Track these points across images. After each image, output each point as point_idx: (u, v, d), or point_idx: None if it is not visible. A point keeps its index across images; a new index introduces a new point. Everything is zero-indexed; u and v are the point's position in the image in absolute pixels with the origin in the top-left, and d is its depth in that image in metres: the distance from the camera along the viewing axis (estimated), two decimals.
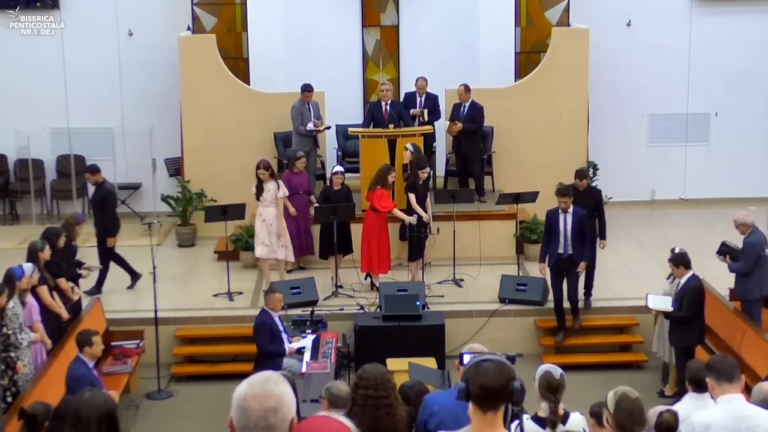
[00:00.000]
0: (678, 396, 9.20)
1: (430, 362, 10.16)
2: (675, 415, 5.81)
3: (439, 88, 15.03)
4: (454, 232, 13.07)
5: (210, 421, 10.54)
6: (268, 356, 10.24)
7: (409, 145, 13.17)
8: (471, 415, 3.65)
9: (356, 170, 14.16)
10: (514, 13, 16.06)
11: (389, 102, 14.56)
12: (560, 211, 11.63)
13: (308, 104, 14.41)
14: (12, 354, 9.13)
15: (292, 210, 13.02)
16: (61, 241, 10.95)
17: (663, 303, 10.60)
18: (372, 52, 16.48)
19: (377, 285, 12.64)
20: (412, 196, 12.65)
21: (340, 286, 12.90)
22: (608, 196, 14.16)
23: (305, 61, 15.70)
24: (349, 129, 14.71)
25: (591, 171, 15.07)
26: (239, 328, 12.03)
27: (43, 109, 16.19)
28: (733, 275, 11.22)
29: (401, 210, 12.77)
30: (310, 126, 14.24)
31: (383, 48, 16.46)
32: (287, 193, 12.87)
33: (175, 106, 15.61)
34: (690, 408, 6.36)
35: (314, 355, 10.25)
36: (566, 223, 11.59)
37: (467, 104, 14.65)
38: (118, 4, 16.08)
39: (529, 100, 15.40)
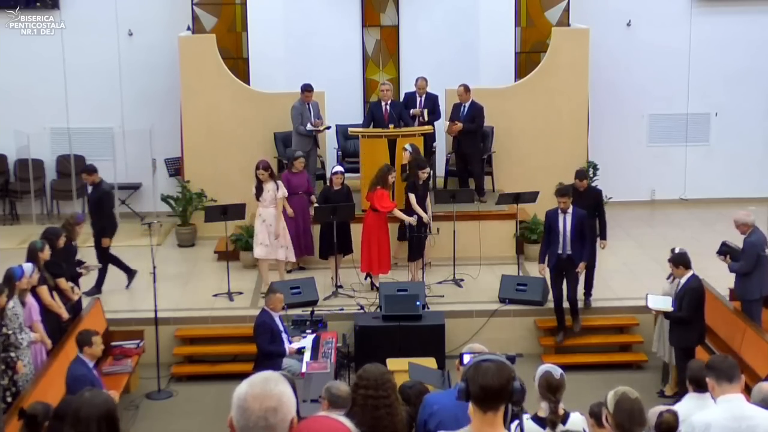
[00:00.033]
0: (678, 396, 9.21)
1: (430, 362, 10.16)
2: (675, 415, 5.81)
3: (439, 88, 15.03)
4: (454, 232, 13.07)
5: (210, 421, 10.54)
6: (268, 356, 10.24)
7: (407, 146, 13.18)
8: (471, 415, 3.65)
9: (356, 170, 14.16)
10: (514, 13, 16.06)
11: (389, 102, 14.56)
12: (560, 211, 11.63)
13: (308, 104, 14.41)
14: (12, 354, 9.13)
15: (289, 211, 13.00)
16: (61, 241, 10.96)
17: (663, 303, 10.59)
18: (372, 52, 16.48)
19: (377, 285, 12.64)
20: (412, 197, 12.64)
21: (340, 286, 12.90)
22: (608, 196, 14.16)
23: (305, 61, 15.70)
24: (349, 129, 14.71)
25: (591, 171, 15.06)
26: (239, 328, 12.03)
27: (43, 109, 16.19)
28: (733, 275, 11.22)
29: (401, 210, 12.77)
30: (310, 126, 14.24)
31: (383, 48, 16.46)
32: (286, 194, 12.86)
33: (175, 106, 15.62)
34: (691, 408, 6.35)
35: (314, 355, 10.24)
36: (565, 223, 11.59)
37: (467, 104, 14.65)
38: (118, 4, 16.08)
39: (529, 100, 15.40)
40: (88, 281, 12.52)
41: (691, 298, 10.32)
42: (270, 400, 3.10)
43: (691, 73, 16.93)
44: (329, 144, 15.42)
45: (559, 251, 11.64)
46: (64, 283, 10.80)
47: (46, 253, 10.35)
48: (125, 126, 16.32)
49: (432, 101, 14.77)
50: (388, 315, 11.54)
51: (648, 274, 13.09)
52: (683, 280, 10.40)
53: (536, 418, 5.65)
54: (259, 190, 12.73)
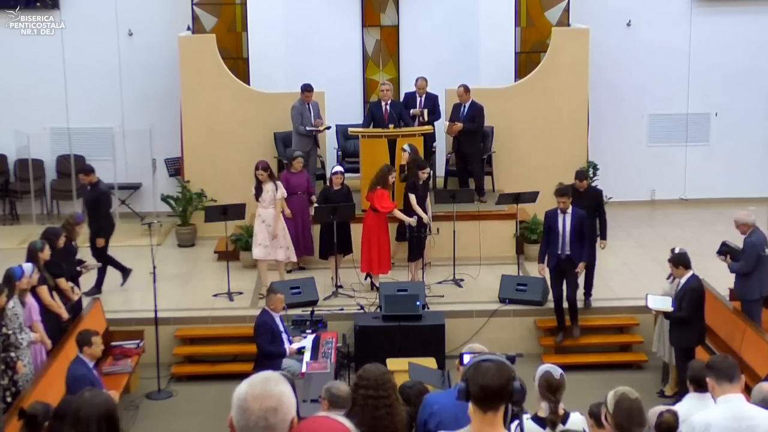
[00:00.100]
0: (678, 396, 9.22)
1: (430, 362, 10.16)
2: (675, 415, 5.81)
3: (439, 88, 15.03)
4: (454, 232, 13.07)
5: (210, 421, 10.54)
6: (268, 356, 10.24)
7: (405, 146, 13.18)
8: (471, 415, 3.65)
9: (356, 170, 14.16)
10: (514, 13, 16.06)
11: (389, 102, 14.56)
12: (559, 211, 11.62)
13: (308, 104, 14.41)
14: (12, 354, 9.13)
15: (287, 212, 12.97)
16: (61, 241, 10.96)
17: (663, 303, 10.59)
18: (372, 52, 16.48)
19: (377, 285, 12.64)
20: (412, 197, 12.64)
21: (340, 286, 12.90)
22: (608, 196, 14.16)
23: (305, 61, 15.70)
24: (349, 129, 14.71)
25: (591, 171, 15.07)
26: (239, 328, 12.03)
27: (43, 109, 16.19)
28: (733, 275, 11.22)
29: (400, 210, 12.77)
30: (310, 126, 14.24)
31: (383, 48, 16.46)
32: (285, 195, 12.85)
33: (175, 106, 15.61)
34: (691, 408, 6.35)
35: (314, 355, 10.25)
36: (565, 223, 11.58)
37: (467, 104, 14.65)
38: (118, 4, 16.08)
39: (529, 100, 15.40)
40: (88, 281, 12.52)
41: (691, 298, 10.32)
42: (270, 400, 3.11)
43: (691, 73, 16.93)
44: (329, 144, 15.41)
45: (559, 251, 11.64)
46: (64, 283, 10.80)
47: (46, 253, 10.35)
48: (125, 126, 16.32)
49: (432, 101, 14.77)
50: (388, 315, 11.54)
51: (648, 274, 13.09)
52: (683, 280, 10.40)
53: (536, 418, 5.65)
54: (259, 191, 12.72)
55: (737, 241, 11.17)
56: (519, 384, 3.63)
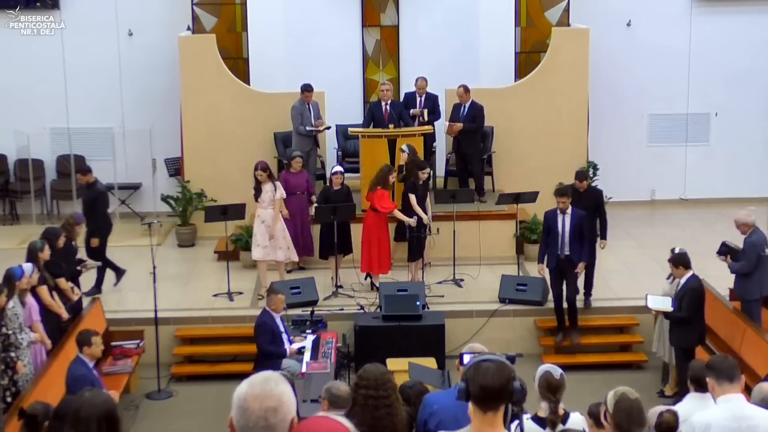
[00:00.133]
0: (678, 396, 9.22)
1: (430, 362, 10.16)
2: (675, 415, 5.81)
3: (439, 88, 15.03)
4: (454, 232, 13.07)
5: (210, 421, 10.54)
6: (268, 357, 10.24)
7: (404, 147, 13.18)
8: (471, 415, 3.65)
9: (356, 170, 14.16)
10: (514, 13, 16.06)
11: (389, 102, 14.56)
12: (558, 211, 11.62)
13: (308, 104, 14.41)
14: (12, 354, 9.13)
15: (285, 212, 12.97)
16: (61, 241, 10.96)
17: (663, 303, 10.59)
18: (372, 52, 16.48)
19: (377, 285, 12.64)
20: (412, 197, 12.64)
21: (340, 286, 12.90)
22: (608, 196, 14.16)
23: (305, 61, 15.70)
24: (349, 129, 14.71)
25: (591, 171, 15.07)
26: (239, 328, 12.03)
27: (43, 109, 16.19)
28: (733, 275, 11.22)
29: (400, 210, 12.76)
30: (310, 126, 14.24)
31: (383, 48, 16.46)
32: (284, 196, 12.83)
33: (175, 106, 15.61)
34: (692, 408, 6.35)
35: (314, 355, 10.25)
36: (564, 224, 11.58)
37: (467, 104, 14.65)
38: (118, 4, 16.08)
39: (529, 100, 15.40)
40: (88, 281, 12.52)
41: (691, 298, 10.32)
42: (270, 400, 3.11)
43: (691, 73, 16.93)
44: (329, 144, 15.41)
45: (558, 252, 11.64)
46: (64, 283, 10.80)
47: (46, 253, 10.35)
48: (125, 126, 16.32)
49: (432, 101, 14.77)
50: (388, 315, 11.54)
51: (648, 274, 13.09)
52: (683, 280, 10.40)
53: (536, 418, 5.65)
54: (258, 191, 12.71)
55: (737, 241, 11.17)
56: (519, 384, 3.63)
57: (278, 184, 12.81)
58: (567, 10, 16.46)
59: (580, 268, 11.77)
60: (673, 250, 10.65)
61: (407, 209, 12.68)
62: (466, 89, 14.62)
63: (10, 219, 16.55)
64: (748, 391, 6.54)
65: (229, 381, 9.68)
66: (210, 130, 15.15)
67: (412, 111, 14.69)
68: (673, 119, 17.17)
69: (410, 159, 12.92)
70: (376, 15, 16.39)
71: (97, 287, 12.87)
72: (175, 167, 16.01)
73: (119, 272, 13.07)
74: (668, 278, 10.93)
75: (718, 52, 16.88)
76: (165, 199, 15.31)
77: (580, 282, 12.17)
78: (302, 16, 15.96)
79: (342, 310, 12.25)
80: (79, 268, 11.66)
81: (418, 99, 14.82)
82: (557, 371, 5.74)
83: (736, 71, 16.93)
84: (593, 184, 13.58)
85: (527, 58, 16.51)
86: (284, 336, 10.56)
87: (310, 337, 10.72)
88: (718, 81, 16.98)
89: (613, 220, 13.62)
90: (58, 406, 6.93)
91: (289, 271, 13.42)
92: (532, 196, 13.32)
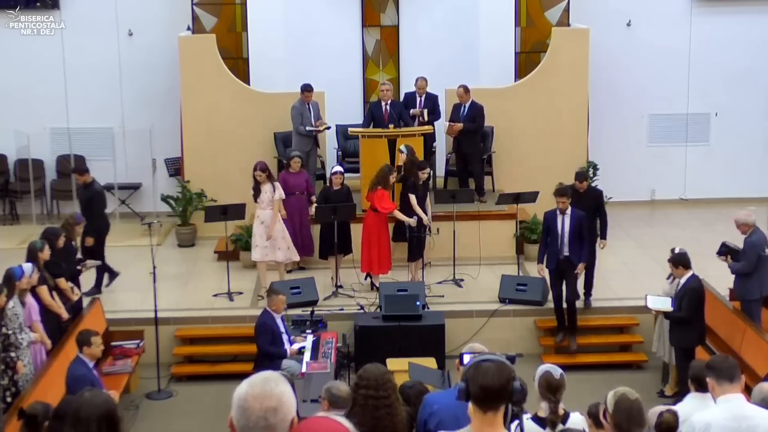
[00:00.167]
0: (678, 396, 9.21)
1: (430, 362, 10.16)
2: (675, 415, 5.81)
3: (439, 88, 15.03)
4: (454, 232, 13.07)
5: (210, 421, 10.54)
6: (268, 357, 10.25)
7: (402, 147, 13.17)
8: (471, 415, 3.65)
9: (356, 170, 14.16)
10: (514, 13, 16.06)
11: (389, 102, 14.56)
12: (558, 212, 11.62)
13: (308, 104, 14.41)
14: (12, 354, 9.13)
15: (283, 213, 12.95)
16: (61, 241, 10.96)
17: (662, 303, 10.59)
18: (372, 52, 16.48)
19: (377, 285, 12.64)
20: (412, 197, 12.64)
21: (340, 286, 12.90)
22: (608, 196, 14.16)
23: (305, 61, 15.70)
24: (349, 129, 14.71)
25: (591, 171, 15.07)
26: (239, 328, 12.03)
27: (43, 109, 16.19)
28: (733, 275, 11.22)
29: (399, 210, 12.76)
30: (310, 127, 14.24)
31: (383, 48, 16.46)
32: (283, 197, 12.82)
33: (175, 106, 15.61)
34: (692, 408, 6.35)
35: (314, 355, 10.24)
36: (564, 224, 11.57)
37: (467, 104, 14.66)
38: (118, 4, 16.09)
39: (529, 100, 15.40)
40: (88, 281, 12.52)
41: (691, 298, 10.32)
42: (270, 400, 3.11)
43: (691, 73, 16.93)
44: (329, 144, 15.41)
45: (558, 252, 11.63)
46: (63, 283, 10.80)
47: (45, 253, 10.35)
48: (125, 126, 16.33)
49: (432, 101, 14.77)
50: (388, 315, 11.54)
51: (648, 274, 13.09)
52: (683, 280, 10.40)
53: (536, 418, 5.65)
54: (257, 192, 12.70)
55: (737, 241, 11.17)
56: (519, 384, 3.63)
57: (277, 184, 12.80)
58: (567, 10, 16.46)
59: (580, 269, 11.77)
60: (673, 250, 10.65)
61: (407, 209, 12.68)
62: (466, 89, 14.62)
63: (10, 219, 16.55)
64: (748, 391, 6.54)
65: (229, 381, 9.68)
66: (210, 130, 15.15)
67: (412, 111, 14.69)
68: (673, 119, 17.17)
69: (409, 159, 12.92)
70: (376, 15, 16.39)
71: (97, 287, 12.87)
72: (175, 167, 16.01)
73: (113, 274, 13.06)
74: (668, 278, 10.93)
75: (718, 52, 16.88)
76: (165, 199, 15.31)
77: (580, 282, 12.16)
78: (302, 16, 15.96)
79: (342, 310, 12.25)
80: (79, 267, 11.66)
81: (418, 99, 14.82)
82: (557, 371, 5.74)
83: (736, 71, 16.93)
84: (593, 184, 13.57)
85: (527, 58, 16.51)
86: (285, 336, 10.56)
87: (310, 337, 10.72)
88: (718, 81, 16.98)
89: (613, 220, 13.61)
90: (58, 406, 6.93)
91: (289, 271, 13.41)
92: (532, 196, 13.32)
